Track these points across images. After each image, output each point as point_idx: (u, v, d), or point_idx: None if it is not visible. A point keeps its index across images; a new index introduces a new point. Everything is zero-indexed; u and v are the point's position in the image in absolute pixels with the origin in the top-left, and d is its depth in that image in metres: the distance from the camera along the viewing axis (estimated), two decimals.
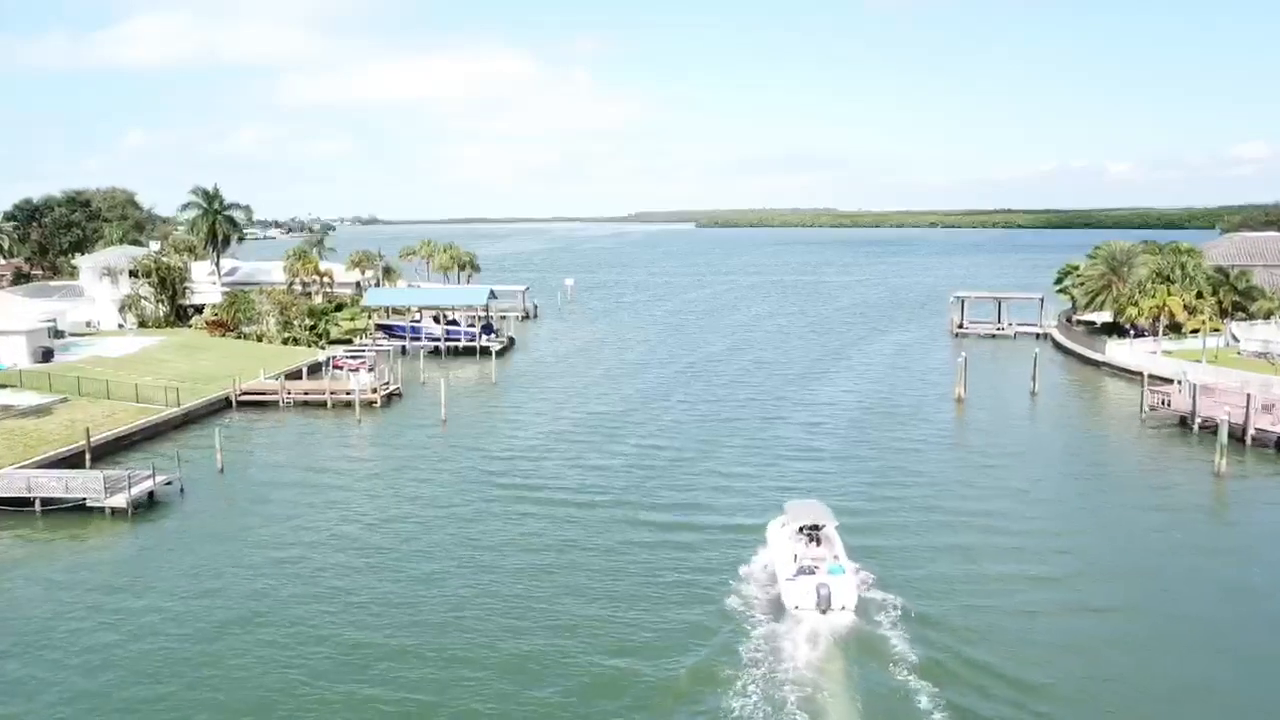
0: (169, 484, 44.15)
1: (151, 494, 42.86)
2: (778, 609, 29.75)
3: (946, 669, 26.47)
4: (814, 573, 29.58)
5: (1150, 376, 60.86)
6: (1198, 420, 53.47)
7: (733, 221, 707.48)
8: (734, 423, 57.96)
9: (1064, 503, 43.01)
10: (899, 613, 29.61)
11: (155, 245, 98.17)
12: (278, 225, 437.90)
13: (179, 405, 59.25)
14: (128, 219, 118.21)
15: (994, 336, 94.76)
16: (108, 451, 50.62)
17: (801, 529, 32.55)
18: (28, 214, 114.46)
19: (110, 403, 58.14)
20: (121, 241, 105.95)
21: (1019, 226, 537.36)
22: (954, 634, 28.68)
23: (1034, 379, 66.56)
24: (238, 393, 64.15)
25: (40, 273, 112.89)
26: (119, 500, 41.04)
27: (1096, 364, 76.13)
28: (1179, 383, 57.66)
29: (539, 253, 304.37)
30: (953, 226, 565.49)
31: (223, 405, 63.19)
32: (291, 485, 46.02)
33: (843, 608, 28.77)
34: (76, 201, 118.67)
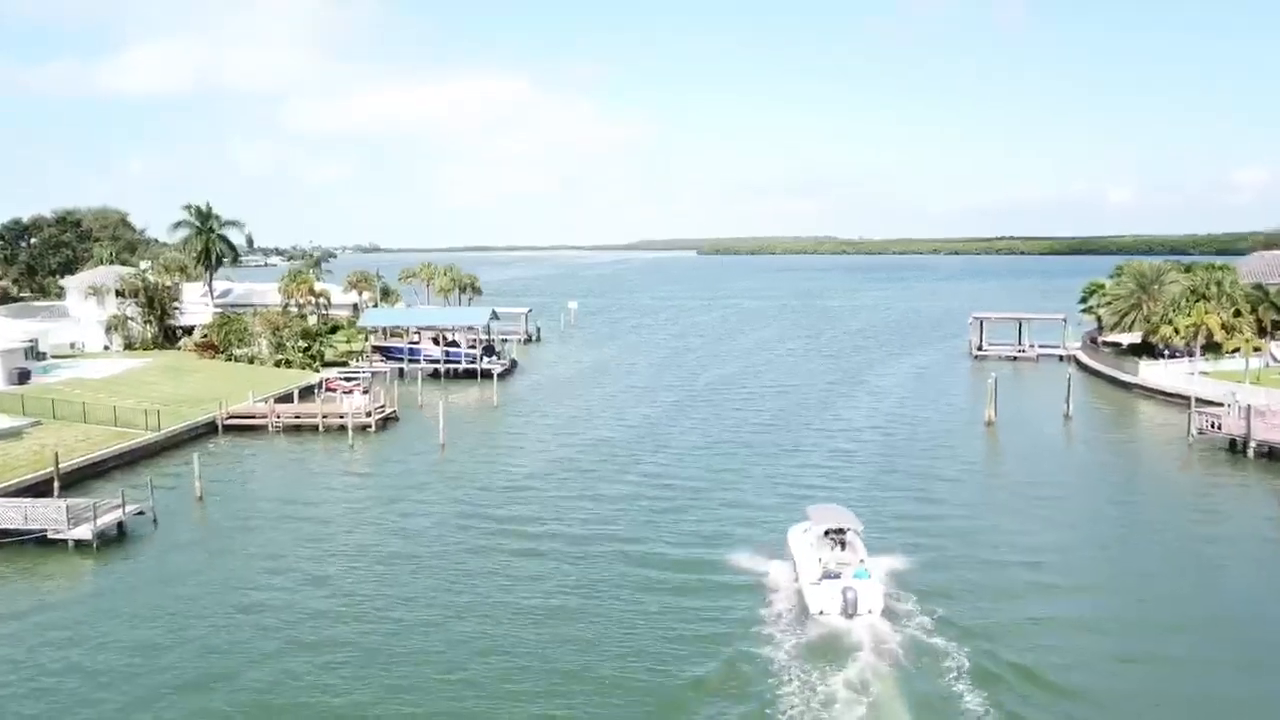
0: (140, 514, 40.36)
1: (121, 525, 39.13)
2: (801, 614, 28.91)
3: (977, 674, 25.27)
4: (839, 577, 29.03)
5: (1197, 399, 57.09)
6: (1252, 444, 49.76)
7: (734, 249, 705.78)
8: (750, 450, 53.81)
9: (1117, 531, 39.26)
10: (927, 618, 28.54)
11: (146, 265, 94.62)
12: (279, 252, 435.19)
13: (159, 429, 55.56)
14: (120, 240, 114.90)
15: (1015, 359, 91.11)
16: (80, 478, 46.95)
17: (826, 533, 31.69)
18: (16, 234, 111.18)
19: (86, 426, 54.49)
20: (111, 262, 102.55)
21: (1021, 253, 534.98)
22: (987, 639, 27.39)
23: (1068, 401, 62.83)
24: (224, 416, 60.53)
25: (29, 294, 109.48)
26: (83, 532, 37.28)
27: (1128, 386, 72.45)
28: (1229, 405, 53.94)
29: (541, 279, 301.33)
30: (955, 253, 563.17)
31: (208, 430, 59.54)
32: (274, 516, 42.19)
33: (869, 612, 28.10)
34: (67, 222, 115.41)
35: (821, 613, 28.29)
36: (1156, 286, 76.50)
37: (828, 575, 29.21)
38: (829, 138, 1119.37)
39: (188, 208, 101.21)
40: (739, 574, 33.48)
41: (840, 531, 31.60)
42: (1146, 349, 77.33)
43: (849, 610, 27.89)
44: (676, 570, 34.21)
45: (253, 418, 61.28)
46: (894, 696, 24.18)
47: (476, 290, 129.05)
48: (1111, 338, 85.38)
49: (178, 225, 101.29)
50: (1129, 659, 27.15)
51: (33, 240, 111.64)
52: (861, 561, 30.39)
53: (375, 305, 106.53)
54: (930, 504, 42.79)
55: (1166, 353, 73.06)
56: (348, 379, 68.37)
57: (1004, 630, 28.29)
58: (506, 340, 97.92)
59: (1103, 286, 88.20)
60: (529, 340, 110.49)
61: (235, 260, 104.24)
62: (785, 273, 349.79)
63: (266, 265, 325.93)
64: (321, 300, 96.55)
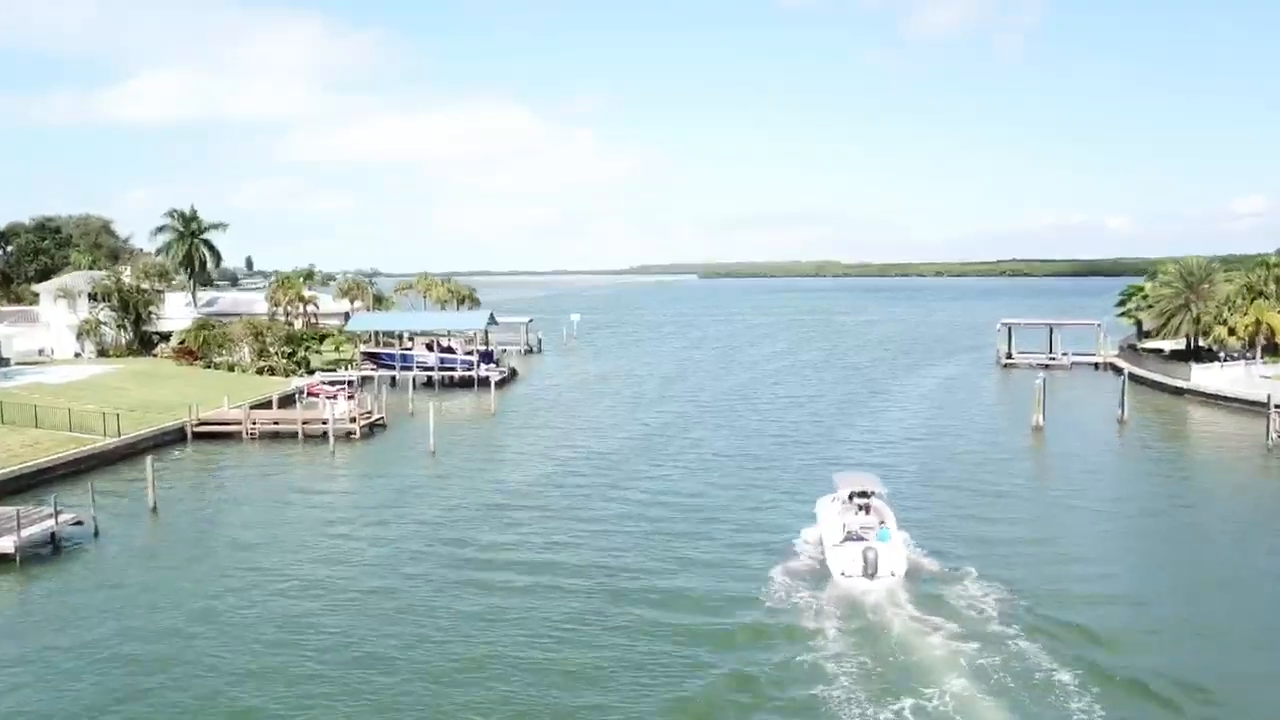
0: (78, 524, 34.81)
1: (54, 537, 33.58)
2: (824, 577, 28.74)
3: (1004, 634, 24.34)
4: (862, 539, 29.07)
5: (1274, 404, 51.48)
6: None
7: (735, 273, 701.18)
8: (771, 464, 47.03)
9: (1206, 537, 34.33)
10: (953, 580, 28.23)
11: (124, 270, 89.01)
12: (279, 274, 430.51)
13: (119, 435, 49.97)
14: (102, 247, 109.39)
15: (1047, 366, 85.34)
16: (23, 486, 41.50)
17: (851, 496, 31.96)
18: None
19: (36, 431, 48.97)
20: (91, 268, 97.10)
21: (1027, 275, 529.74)
22: (1017, 599, 26.63)
23: (1122, 405, 57.27)
24: (194, 422, 55.02)
25: (5, 304, 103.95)
26: (5, 544, 31.67)
27: (1179, 391, 66.82)
28: None
29: (542, 299, 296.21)
30: (961, 275, 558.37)
31: (176, 437, 54.08)
32: (234, 531, 36.55)
33: (891, 574, 27.91)
34: (46, 228, 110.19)
35: (843, 573, 28.26)
36: (1206, 285, 70.97)
37: (850, 537, 29.30)
38: (829, 167, 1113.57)
39: (170, 213, 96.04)
40: (760, 566, 30.51)
41: (865, 495, 31.91)
42: (1195, 353, 71.83)
43: (870, 570, 27.80)
44: (689, 583, 29.17)
45: (226, 424, 55.84)
46: (912, 654, 23.41)
47: (475, 302, 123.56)
48: (1152, 344, 79.92)
49: (159, 230, 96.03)
50: (1203, 635, 25.11)
51: (9, 248, 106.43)
52: (882, 523, 30.47)
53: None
54: (985, 515, 37.19)
55: (1223, 355, 67.53)
56: (332, 384, 62.83)
57: (1048, 596, 27.05)
58: (506, 350, 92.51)
59: (1142, 289, 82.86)
60: (529, 351, 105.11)
61: (219, 264, 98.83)
62: (789, 293, 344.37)
63: (265, 287, 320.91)
64: (310, 308, 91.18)
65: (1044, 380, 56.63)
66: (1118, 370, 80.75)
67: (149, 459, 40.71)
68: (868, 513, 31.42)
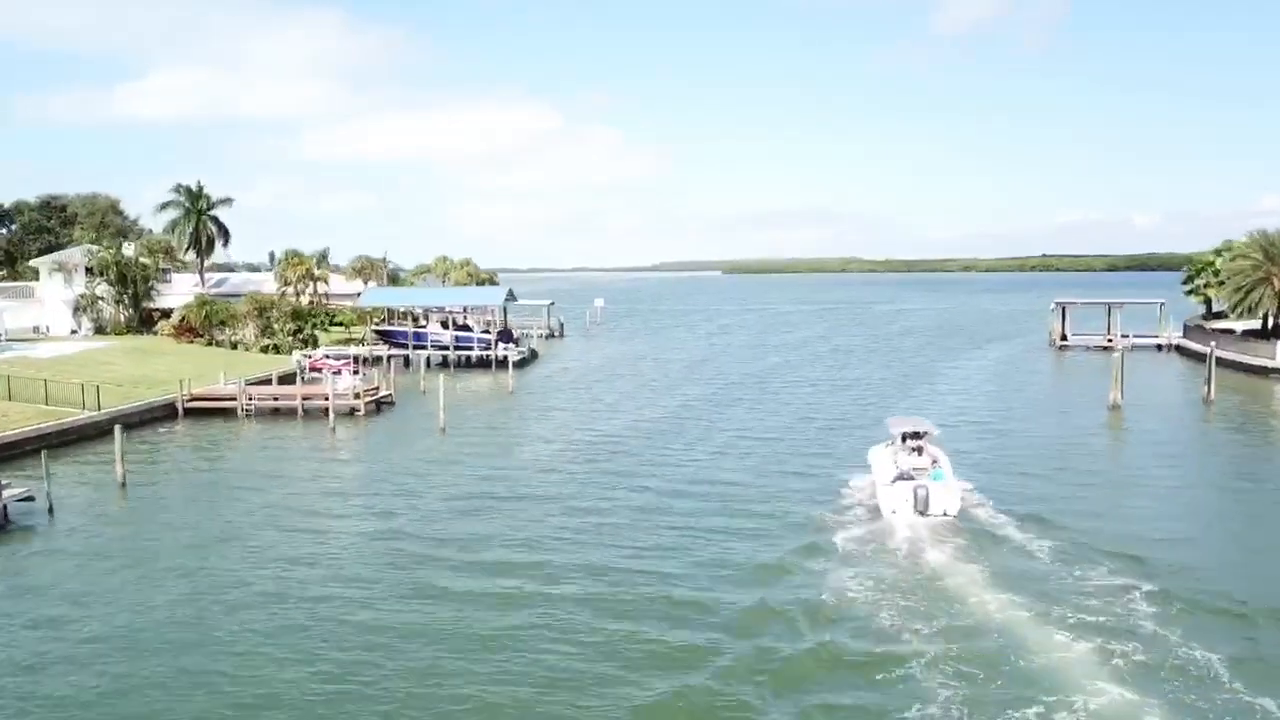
0: (29, 499, 30.21)
1: (1, 511, 29.03)
2: (875, 517, 28.31)
3: (1062, 576, 23.15)
4: (913, 479, 28.41)
5: None
6: None
7: (759, 269, 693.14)
8: (816, 449, 40.67)
9: None
10: (1013, 526, 27.13)
11: (129, 246, 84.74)
12: (289, 252, 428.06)
13: (99, 409, 45.42)
14: (109, 226, 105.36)
15: (1105, 349, 79.37)
16: None
17: (904, 439, 31.32)
18: None
19: (7, 404, 44.61)
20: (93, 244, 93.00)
21: (1058, 269, 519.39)
22: (1072, 541, 25.65)
23: (1208, 383, 51.52)
24: (185, 398, 50.53)
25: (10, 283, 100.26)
26: None
27: (1263, 371, 60.87)
28: None
29: (563, 292, 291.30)
30: (990, 271, 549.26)
31: (165, 412, 49.68)
32: (208, 511, 31.86)
33: (944, 513, 27.37)
34: (52, 207, 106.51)
35: (894, 512, 27.86)
36: None
37: (902, 477, 28.69)
38: (847, 164, 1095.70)
39: (176, 188, 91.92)
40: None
41: (917, 436, 31.37)
42: (1273, 331, 65.77)
43: (920, 507, 27.33)
44: (726, 529, 25.38)
45: (221, 400, 51.36)
46: (951, 595, 22.22)
47: (494, 285, 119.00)
48: (1222, 324, 73.83)
49: (165, 206, 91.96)
50: None
51: (13, 226, 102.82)
52: (935, 463, 30.07)
53: None
54: (1062, 481, 33.76)
55: None
56: (336, 357, 58.14)
57: (1116, 544, 25.47)
58: (527, 333, 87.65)
59: (1211, 264, 76.77)
60: (551, 335, 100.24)
61: (227, 243, 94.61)
62: (817, 287, 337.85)
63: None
64: (321, 286, 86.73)
65: (1121, 354, 50.97)
66: (1183, 352, 74.89)
67: (117, 428, 35.96)
68: (920, 454, 30.85)
